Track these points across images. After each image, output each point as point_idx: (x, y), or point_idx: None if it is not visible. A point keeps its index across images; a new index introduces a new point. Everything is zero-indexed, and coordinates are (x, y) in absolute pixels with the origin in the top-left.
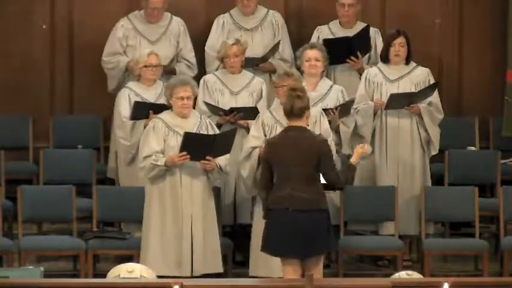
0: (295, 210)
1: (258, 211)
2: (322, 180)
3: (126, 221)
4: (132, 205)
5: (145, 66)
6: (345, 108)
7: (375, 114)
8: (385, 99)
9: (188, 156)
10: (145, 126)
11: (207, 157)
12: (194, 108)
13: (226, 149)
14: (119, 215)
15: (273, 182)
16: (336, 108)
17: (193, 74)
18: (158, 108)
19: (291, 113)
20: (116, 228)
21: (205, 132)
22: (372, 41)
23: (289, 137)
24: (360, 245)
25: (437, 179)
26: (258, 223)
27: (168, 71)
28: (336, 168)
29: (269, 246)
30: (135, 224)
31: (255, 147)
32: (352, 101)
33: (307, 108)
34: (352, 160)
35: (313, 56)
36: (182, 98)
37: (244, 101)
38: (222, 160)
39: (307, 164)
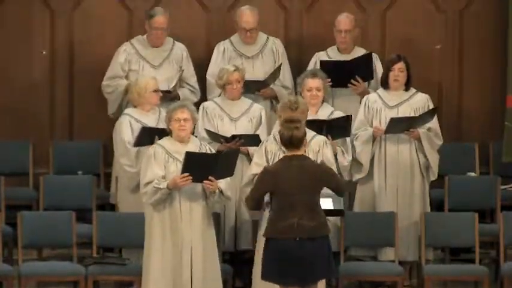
0: (302, 239)
1: (261, 237)
2: (324, 206)
3: (126, 246)
4: (132, 231)
5: (155, 91)
6: (338, 125)
7: (374, 141)
8: (384, 125)
9: (190, 177)
10: None
11: (210, 177)
12: (193, 134)
13: (229, 171)
14: (119, 241)
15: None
16: (328, 124)
17: (196, 99)
18: (164, 134)
19: (290, 143)
20: (116, 254)
21: None
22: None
23: (293, 165)
24: (360, 271)
25: (437, 205)
26: (261, 247)
27: (172, 97)
28: (341, 179)
29: (270, 275)
30: (135, 249)
31: (256, 174)
32: (346, 118)
33: (304, 137)
34: None
35: (314, 85)
36: (179, 120)
37: (243, 127)
38: (223, 184)
39: (312, 192)
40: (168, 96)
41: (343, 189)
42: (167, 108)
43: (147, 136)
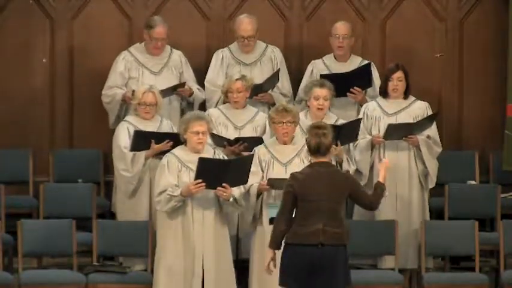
0: (324, 245)
1: (256, 245)
2: None
3: (126, 255)
4: (133, 239)
5: (139, 104)
6: (348, 130)
7: (373, 149)
8: (383, 133)
9: (204, 184)
10: (146, 158)
11: (224, 184)
12: None
13: (242, 179)
14: (119, 249)
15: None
16: (340, 129)
17: (204, 97)
18: (159, 138)
19: (317, 151)
20: (116, 262)
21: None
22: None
23: (321, 172)
24: (359, 279)
25: (437, 213)
26: (256, 257)
27: (189, 93)
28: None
29: (289, 281)
30: (135, 258)
31: (251, 184)
32: (356, 122)
33: (331, 144)
34: (381, 179)
35: (322, 94)
36: (197, 133)
37: (248, 135)
38: (236, 192)
39: (338, 199)
40: (185, 92)
41: (371, 199)
42: (183, 118)
43: (142, 140)
